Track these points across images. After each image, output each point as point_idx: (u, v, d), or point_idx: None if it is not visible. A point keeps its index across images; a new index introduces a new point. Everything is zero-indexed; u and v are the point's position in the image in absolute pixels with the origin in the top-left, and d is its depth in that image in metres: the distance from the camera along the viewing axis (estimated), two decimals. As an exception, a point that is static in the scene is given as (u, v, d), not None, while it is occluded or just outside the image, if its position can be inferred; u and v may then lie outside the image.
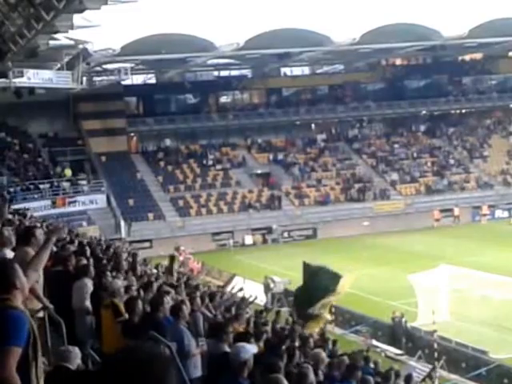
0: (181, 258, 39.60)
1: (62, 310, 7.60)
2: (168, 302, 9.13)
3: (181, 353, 7.25)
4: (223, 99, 60.99)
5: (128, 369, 2.36)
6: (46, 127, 52.47)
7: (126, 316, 8.57)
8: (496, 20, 52.30)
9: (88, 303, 9.55)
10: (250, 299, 17.87)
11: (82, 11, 22.23)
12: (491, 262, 33.71)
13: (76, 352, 6.26)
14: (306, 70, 63.75)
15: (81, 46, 38.74)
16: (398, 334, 24.41)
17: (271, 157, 55.85)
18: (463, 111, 63.53)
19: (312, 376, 7.25)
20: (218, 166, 54.04)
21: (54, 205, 44.73)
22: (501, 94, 62.50)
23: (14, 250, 7.57)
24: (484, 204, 52.07)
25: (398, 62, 64.26)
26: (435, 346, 22.24)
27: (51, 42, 29.61)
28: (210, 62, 55.58)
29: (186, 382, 6.00)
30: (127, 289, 9.78)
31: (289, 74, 62.23)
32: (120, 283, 9.71)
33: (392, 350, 24.08)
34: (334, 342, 16.28)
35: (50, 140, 52.28)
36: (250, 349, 7.59)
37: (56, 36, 28.92)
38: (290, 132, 58.71)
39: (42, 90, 40.07)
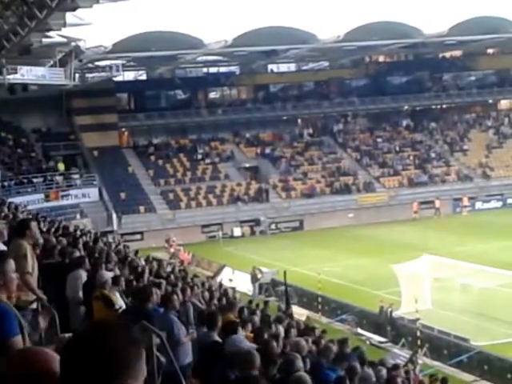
0: (171, 250, 40.68)
1: (54, 300, 7.62)
2: (156, 292, 9.42)
3: (171, 341, 7.27)
4: (212, 95, 61.53)
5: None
6: (40, 122, 52.79)
7: (117, 306, 8.90)
8: (475, 18, 53.17)
9: (81, 294, 9.74)
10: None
11: (74, 9, 23.05)
12: (471, 251, 34.25)
13: None
14: (293, 67, 63.95)
15: (73, 44, 38.89)
16: (382, 322, 24.82)
17: (259, 151, 56.30)
18: (444, 106, 64.34)
19: (299, 363, 7.29)
20: (207, 160, 54.37)
21: (47, 198, 45.00)
22: (480, 89, 63.24)
23: (5, 243, 7.82)
24: (464, 196, 52.76)
25: (381, 58, 64.85)
26: (418, 333, 22.23)
27: (44, 40, 30.19)
28: (199, 58, 56.00)
29: (176, 370, 5.97)
30: (115, 280, 9.94)
31: (275, 70, 62.68)
32: (109, 275, 9.95)
33: (376, 338, 24.51)
34: (323, 331, 16.23)
35: (44, 135, 52.58)
36: (244, 341, 8.08)
37: (49, 34, 29.32)
38: (277, 127, 59.28)
39: (35, 87, 39.79)
